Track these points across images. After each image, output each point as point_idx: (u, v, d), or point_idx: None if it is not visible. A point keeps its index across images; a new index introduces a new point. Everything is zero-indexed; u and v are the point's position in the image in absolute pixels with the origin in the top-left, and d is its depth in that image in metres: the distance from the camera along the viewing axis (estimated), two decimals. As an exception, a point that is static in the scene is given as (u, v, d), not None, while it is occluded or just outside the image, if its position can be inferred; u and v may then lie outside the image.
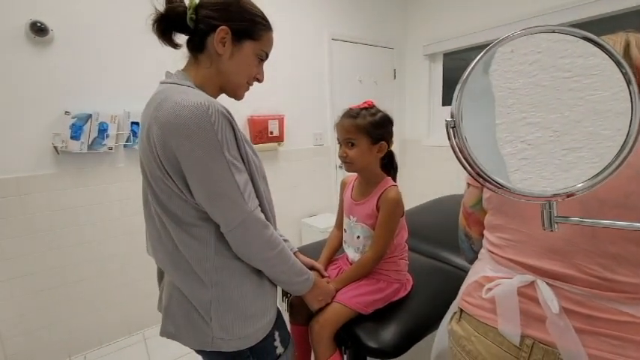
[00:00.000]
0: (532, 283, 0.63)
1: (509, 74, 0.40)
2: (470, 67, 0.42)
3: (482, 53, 0.42)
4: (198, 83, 0.75)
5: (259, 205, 0.75)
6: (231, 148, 0.69)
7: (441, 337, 0.87)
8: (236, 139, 0.71)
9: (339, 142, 1.07)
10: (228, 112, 0.70)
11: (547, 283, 0.61)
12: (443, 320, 0.86)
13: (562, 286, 0.60)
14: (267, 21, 0.78)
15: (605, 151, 0.35)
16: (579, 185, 0.33)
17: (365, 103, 1.05)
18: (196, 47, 0.75)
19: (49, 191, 1.67)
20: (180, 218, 0.72)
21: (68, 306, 1.78)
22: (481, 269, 0.74)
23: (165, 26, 0.73)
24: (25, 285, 1.66)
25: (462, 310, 0.75)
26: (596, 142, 0.33)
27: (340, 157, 1.06)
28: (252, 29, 0.75)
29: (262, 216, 0.74)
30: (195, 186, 0.68)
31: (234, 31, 0.73)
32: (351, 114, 1.04)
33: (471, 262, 0.89)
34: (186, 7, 0.72)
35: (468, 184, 0.84)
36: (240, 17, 0.74)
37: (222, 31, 0.72)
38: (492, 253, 0.72)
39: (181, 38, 0.76)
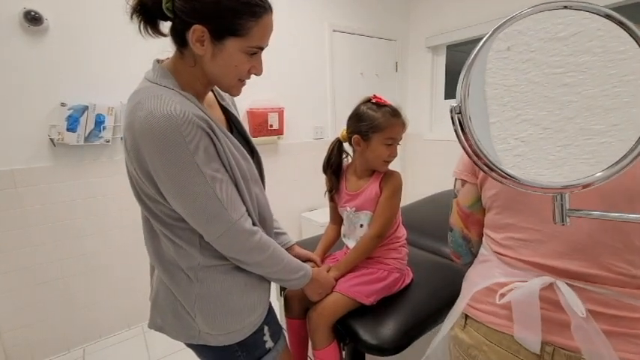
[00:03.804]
0: (551, 285, 0.58)
1: (508, 70, 0.37)
2: (475, 50, 0.39)
3: (488, 35, 0.39)
4: (183, 81, 0.69)
5: (247, 210, 0.73)
6: (209, 160, 0.65)
7: (440, 344, 0.81)
8: (216, 148, 0.67)
9: (390, 143, 1.01)
10: (205, 120, 0.65)
11: (567, 284, 0.57)
12: (442, 329, 0.79)
13: (585, 287, 0.56)
14: (258, 6, 0.65)
15: (623, 141, 0.32)
16: (598, 174, 0.30)
17: (381, 99, 1.03)
18: (179, 42, 0.67)
19: (46, 184, 1.65)
20: (163, 220, 0.70)
21: (67, 299, 1.77)
22: (490, 274, 0.68)
23: (147, 14, 0.65)
24: (23, 278, 1.65)
25: (467, 317, 0.70)
26: (616, 131, 0.31)
27: (392, 157, 1.03)
28: (235, 24, 0.63)
29: (249, 223, 0.72)
30: (171, 201, 0.66)
31: (212, 30, 0.63)
32: (399, 111, 1.03)
33: (467, 265, 0.84)
34: None
35: (463, 182, 0.76)
36: (218, 12, 0.62)
37: (197, 30, 0.62)
38: (501, 254, 0.67)
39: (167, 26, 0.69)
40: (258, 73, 0.73)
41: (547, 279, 0.58)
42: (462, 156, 0.77)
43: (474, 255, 0.80)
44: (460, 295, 0.76)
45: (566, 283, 0.56)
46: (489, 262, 0.70)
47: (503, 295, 0.61)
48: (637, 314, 0.53)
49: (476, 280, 0.71)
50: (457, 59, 2.90)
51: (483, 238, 0.75)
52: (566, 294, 0.55)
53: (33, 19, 1.49)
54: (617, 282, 0.54)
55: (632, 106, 0.33)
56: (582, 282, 0.56)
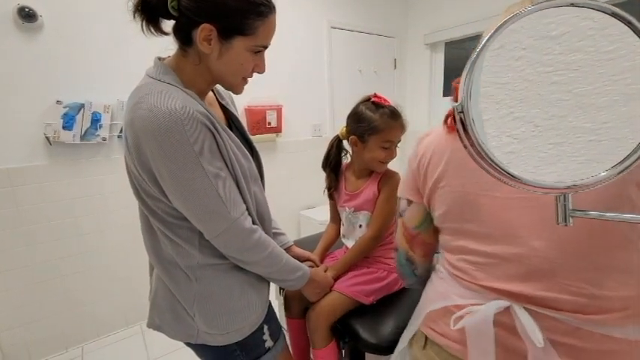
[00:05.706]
0: (507, 310, 0.54)
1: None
2: (479, 46, 0.38)
3: (492, 31, 0.39)
4: (186, 79, 0.69)
5: (247, 208, 0.72)
6: (211, 157, 0.64)
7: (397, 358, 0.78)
8: (217, 145, 0.66)
9: (388, 146, 0.99)
10: (207, 117, 0.64)
11: (526, 309, 0.53)
12: (399, 343, 0.76)
13: (544, 312, 0.52)
14: (264, 5, 0.65)
15: (618, 139, 0.32)
16: (603, 174, 0.30)
17: (382, 98, 1.01)
18: (183, 40, 0.67)
19: (42, 182, 1.63)
20: (163, 218, 0.70)
21: (65, 298, 1.76)
22: (446, 295, 0.64)
23: (150, 12, 0.65)
24: (21, 277, 1.64)
25: (427, 337, 0.67)
26: (607, 129, 0.30)
27: (390, 159, 1.01)
28: (243, 24, 0.64)
29: (248, 221, 0.71)
30: (172, 199, 0.66)
31: (220, 29, 0.63)
32: (399, 113, 1.00)
33: (412, 285, 0.83)
34: None
35: (409, 201, 0.72)
36: (226, 12, 0.62)
37: (205, 29, 0.62)
38: (457, 277, 0.64)
39: (169, 25, 0.68)
40: (262, 71, 0.74)
41: (503, 303, 0.54)
42: (406, 174, 0.74)
43: (418, 277, 0.78)
44: (416, 312, 0.73)
45: (524, 308, 0.53)
46: (446, 281, 0.66)
47: (458, 319, 0.58)
48: (596, 345, 0.49)
49: (433, 298, 0.68)
50: (456, 56, 2.89)
51: (442, 259, 0.72)
52: (523, 319, 0.52)
53: (27, 15, 1.47)
54: (575, 305, 0.50)
55: (622, 104, 0.32)
56: (540, 307, 0.52)
